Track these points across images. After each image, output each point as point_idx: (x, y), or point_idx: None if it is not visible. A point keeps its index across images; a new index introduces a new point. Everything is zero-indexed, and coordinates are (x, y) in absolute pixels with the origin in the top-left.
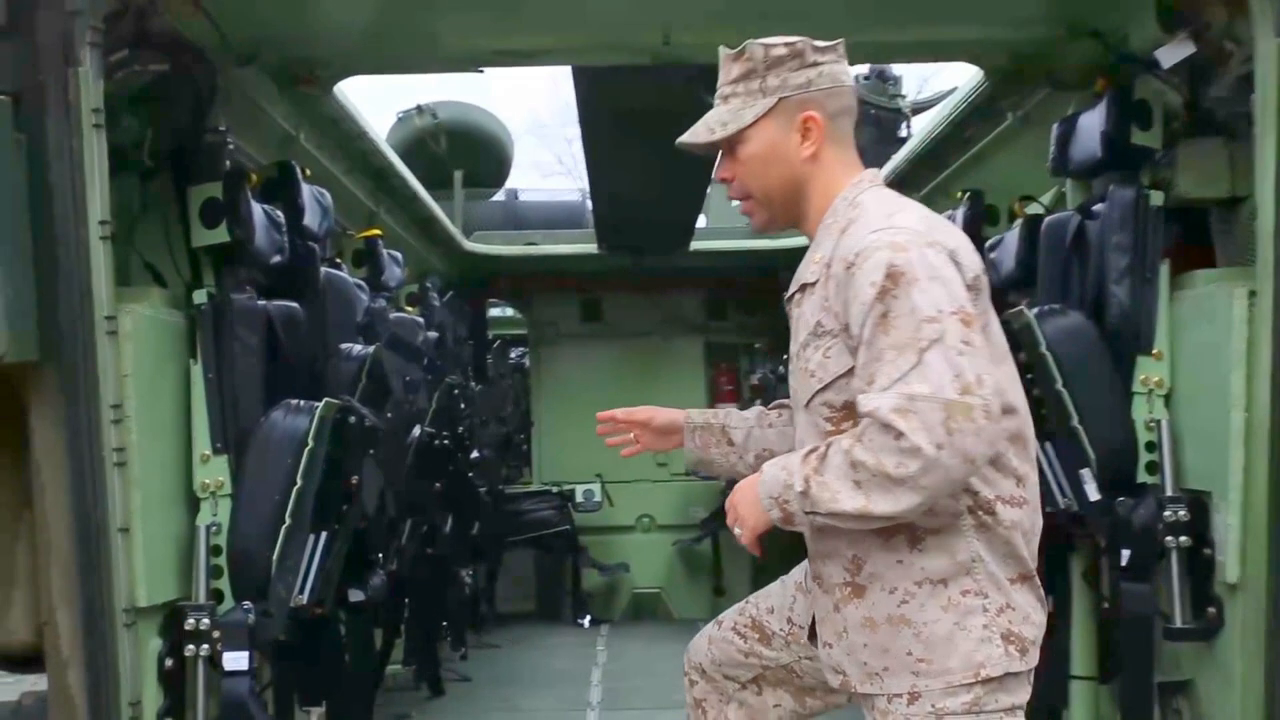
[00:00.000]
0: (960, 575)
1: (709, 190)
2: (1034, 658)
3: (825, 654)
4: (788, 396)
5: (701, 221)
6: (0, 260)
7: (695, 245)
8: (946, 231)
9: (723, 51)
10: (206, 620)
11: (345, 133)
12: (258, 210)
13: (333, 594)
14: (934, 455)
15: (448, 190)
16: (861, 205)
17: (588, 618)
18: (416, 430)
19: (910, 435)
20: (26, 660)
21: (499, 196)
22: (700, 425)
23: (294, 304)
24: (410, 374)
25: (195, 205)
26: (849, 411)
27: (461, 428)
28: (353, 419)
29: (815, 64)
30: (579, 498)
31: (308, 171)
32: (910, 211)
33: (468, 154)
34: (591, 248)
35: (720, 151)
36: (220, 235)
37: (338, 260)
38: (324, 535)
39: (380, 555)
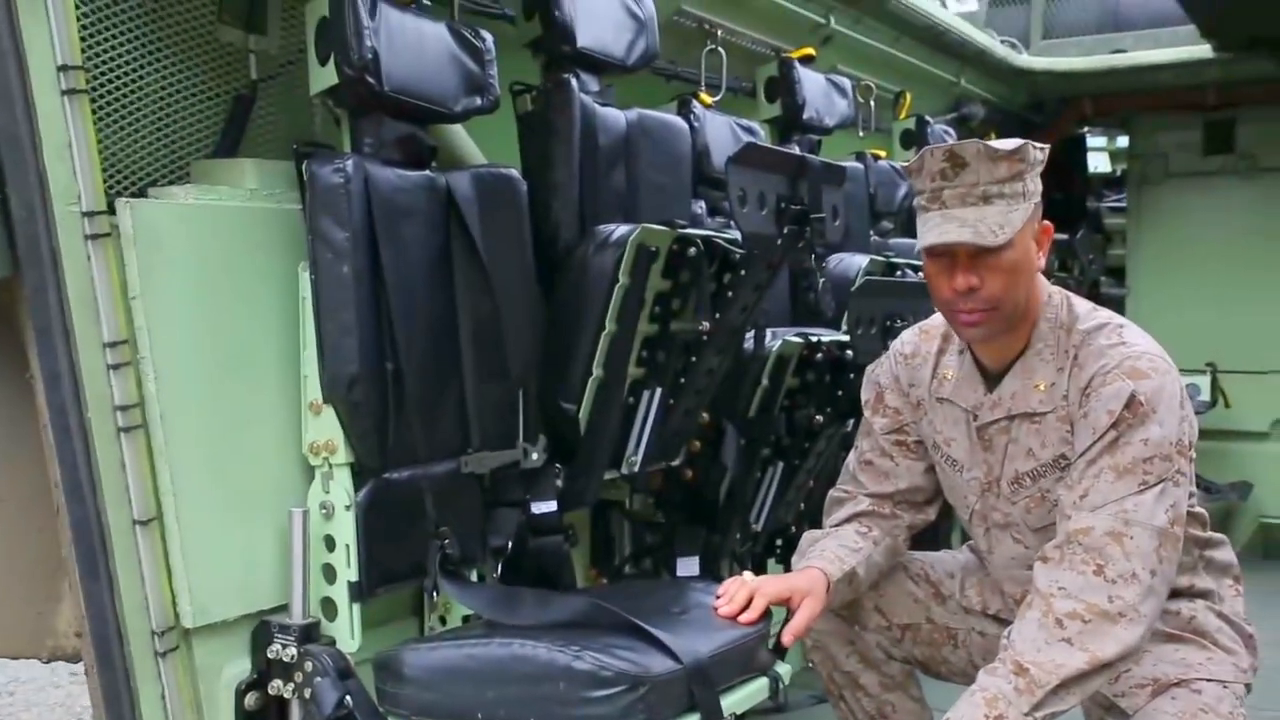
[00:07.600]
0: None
1: None
2: None
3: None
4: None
5: None
6: None
7: None
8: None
9: (983, 146)
10: (294, 649)
11: None
12: (412, 29)
13: None
14: (1149, 582)
15: None
16: (1086, 328)
17: None
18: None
19: (1123, 560)
20: None
21: None
22: (840, 579)
23: (506, 170)
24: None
25: (311, 29)
26: None
27: None
28: None
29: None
30: None
31: None
32: (1133, 328)
33: None
34: (1205, 51)
35: (957, 255)
36: (331, 76)
37: (695, 96)
38: None
39: None
